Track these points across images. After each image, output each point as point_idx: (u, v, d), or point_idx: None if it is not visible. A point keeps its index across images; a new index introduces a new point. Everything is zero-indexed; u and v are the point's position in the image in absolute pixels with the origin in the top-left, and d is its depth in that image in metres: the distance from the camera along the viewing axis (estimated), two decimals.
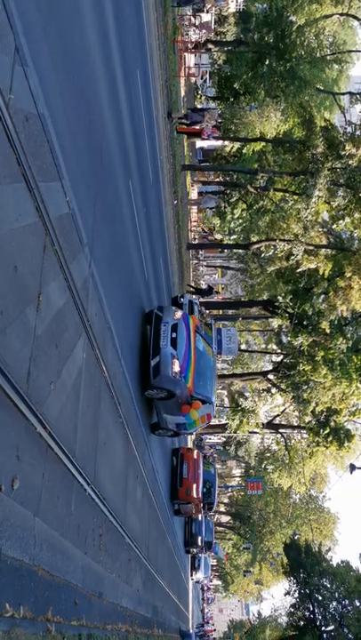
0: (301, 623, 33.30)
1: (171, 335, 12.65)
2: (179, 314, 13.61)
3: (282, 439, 39.17)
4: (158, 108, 16.82)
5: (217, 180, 33.96)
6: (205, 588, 71.58)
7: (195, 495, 22.21)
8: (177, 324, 12.91)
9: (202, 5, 27.77)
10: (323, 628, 31.91)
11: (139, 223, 11.28)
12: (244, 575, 63.53)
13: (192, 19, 25.84)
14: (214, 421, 54.49)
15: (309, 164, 23.13)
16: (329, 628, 31.91)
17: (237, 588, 73.69)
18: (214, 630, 79.64)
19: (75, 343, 6.16)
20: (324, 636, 31.66)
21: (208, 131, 19.19)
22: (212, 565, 74.89)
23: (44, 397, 5.01)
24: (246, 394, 38.38)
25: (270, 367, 39.43)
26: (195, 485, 21.90)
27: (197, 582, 55.61)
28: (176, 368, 12.58)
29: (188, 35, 26.22)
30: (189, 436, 32.55)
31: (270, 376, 34.83)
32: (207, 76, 36.05)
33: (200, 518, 34.17)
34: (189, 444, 32.87)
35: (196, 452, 23.40)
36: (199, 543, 34.41)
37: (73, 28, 6.61)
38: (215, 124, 19.38)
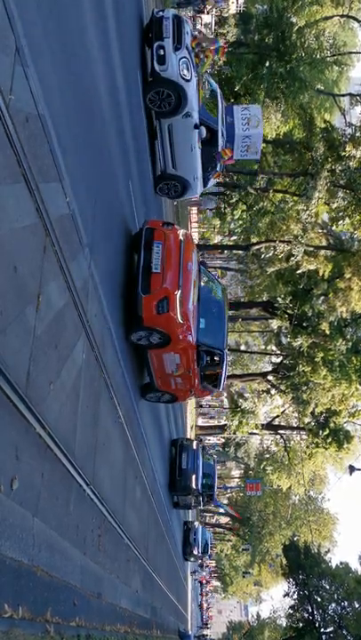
0: (300, 624, 33.32)
1: None
2: None
3: (281, 440, 39.23)
4: None
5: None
6: (204, 581, 70.61)
7: (179, 319, 9.80)
8: None
9: (202, 7, 27.82)
10: (322, 630, 31.97)
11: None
12: (244, 576, 63.57)
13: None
14: (214, 422, 54.16)
15: (309, 166, 23.18)
16: (328, 630, 31.97)
17: (236, 589, 73.68)
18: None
19: (74, 344, 6.17)
20: (323, 637, 31.71)
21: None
22: (211, 573, 74.00)
23: (44, 397, 5.02)
24: (246, 395, 38.44)
25: (270, 368, 39.50)
26: (178, 295, 9.75)
27: (193, 573, 50.64)
28: None
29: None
30: None
31: (270, 377, 34.92)
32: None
33: (195, 446, 21.74)
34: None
35: (183, 232, 10.75)
36: (193, 486, 20.71)
37: (73, 29, 6.62)
38: None
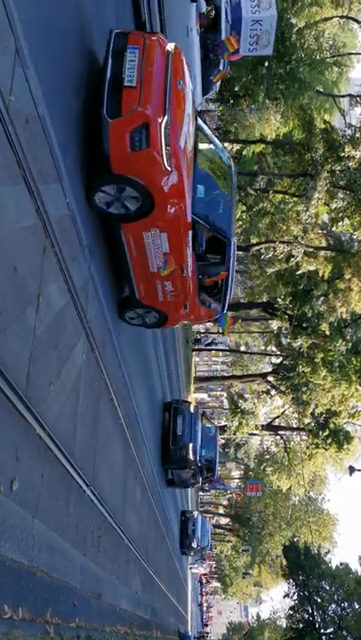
0: (300, 625, 33.31)
1: None
2: None
3: (281, 441, 39.24)
4: None
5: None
6: (204, 580, 70.10)
7: (165, 162, 6.23)
8: None
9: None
10: (322, 631, 31.94)
11: None
12: (244, 577, 63.50)
13: None
14: (213, 422, 54.29)
15: (309, 167, 23.22)
16: (328, 631, 31.96)
17: (236, 590, 73.62)
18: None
19: (74, 344, 6.17)
20: (323, 638, 31.69)
21: None
22: (211, 567, 73.75)
23: (44, 398, 5.02)
24: (246, 395, 38.46)
25: (270, 369, 39.51)
26: (164, 123, 6.11)
27: (193, 565, 48.86)
28: None
29: None
30: None
31: (270, 378, 34.95)
32: None
33: (192, 409, 17.81)
34: None
35: (173, 44, 6.84)
36: (190, 457, 17.02)
37: (74, 29, 6.62)
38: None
